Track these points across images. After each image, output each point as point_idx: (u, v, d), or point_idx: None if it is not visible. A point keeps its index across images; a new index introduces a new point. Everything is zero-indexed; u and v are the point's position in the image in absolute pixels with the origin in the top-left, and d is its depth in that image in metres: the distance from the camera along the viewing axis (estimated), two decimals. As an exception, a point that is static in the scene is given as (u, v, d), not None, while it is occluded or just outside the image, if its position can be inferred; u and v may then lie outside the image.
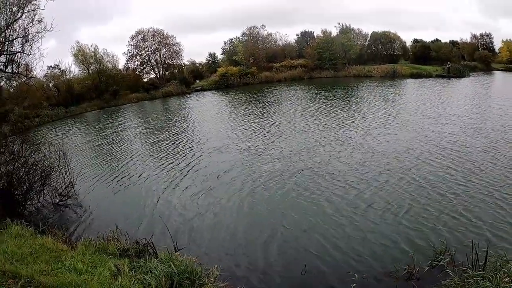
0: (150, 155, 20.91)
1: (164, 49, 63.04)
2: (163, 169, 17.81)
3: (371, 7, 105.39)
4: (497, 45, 66.18)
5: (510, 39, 64.19)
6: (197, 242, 10.50)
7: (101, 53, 55.72)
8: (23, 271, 6.83)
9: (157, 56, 62.92)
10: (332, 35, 65.27)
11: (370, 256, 8.87)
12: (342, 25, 67.09)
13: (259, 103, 38.01)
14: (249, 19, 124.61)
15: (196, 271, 7.59)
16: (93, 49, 54.98)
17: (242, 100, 41.90)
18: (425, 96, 34.09)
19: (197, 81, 64.43)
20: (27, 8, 17.86)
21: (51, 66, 52.55)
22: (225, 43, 72.16)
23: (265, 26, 69.37)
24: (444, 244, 8.70)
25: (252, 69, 62.37)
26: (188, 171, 17.05)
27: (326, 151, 17.96)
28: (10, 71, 18.54)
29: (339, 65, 61.73)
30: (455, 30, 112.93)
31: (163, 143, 23.51)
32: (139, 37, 61.96)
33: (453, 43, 65.58)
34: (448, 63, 53.41)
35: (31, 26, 18.15)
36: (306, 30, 75.07)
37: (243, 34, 68.86)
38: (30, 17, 18.08)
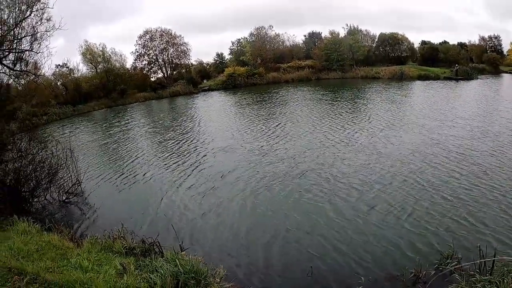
0: (156, 154, 20.95)
1: (171, 49, 63.25)
2: (168, 168, 17.83)
3: (379, 8, 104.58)
4: (506, 47, 65.65)
5: (518, 41, 63.90)
6: (201, 242, 10.49)
7: (109, 52, 56.13)
8: (29, 268, 6.84)
9: (164, 56, 63.13)
10: (340, 36, 65.06)
11: (376, 259, 8.79)
12: (350, 26, 66.98)
13: (266, 103, 37.95)
14: (257, 20, 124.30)
15: (202, 271, 7.55)
16: (101, 48, 55.38)
17: (248, 101, 41.87)
18: (432, 99, 33.81)
19: (205, 81, 64.55)
20: (36, 7, 17.99)
21: (59, 65, 53.04)
22: (232, 43, 72.30)
23: (272, 27, 69.45)
24: (451, 248, 8.58)
25: (260, 70, 62.33)
26: (193, 171, 17.05)
27: (331, 153, 17.87)
28: (18, 69, 18.66)
29: (346, 67, 61.47)
30: (463, 32, 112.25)
31: (169, 143, 23.55)
32: (147, 36, 62.23)
33: (461, 45, 65.09)
34: (456, 65, 52.97)
35: (39, 24, 18.28)
36: (314, 31, 74.95)
37: (251, 34, 68.94)
38: (38, 15, 18.21)
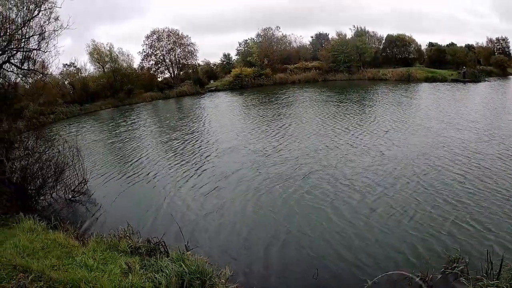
0: (161, 154, 20.99)
1: (179, 49, 63.35)
2: (173, 168, 17.86)
3: (387, 9, 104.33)
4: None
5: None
6: (204, 242, 10.46)
7: (116, 52, 56.40)
8: (34, 265, 6.85)
9: (171, 56, 63.24)
10: (347, 37, 64.84)
11: (381, 262, 8.71)
12: (357, 27, 66.63)
13: (272, 104, 37.90)
14: (264, 21, 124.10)
15: (207, 271, 7.52)
16: (108, 48, 55.66)
17: (255, 102, 41.88)
18: (438, 101, 33.57)
19: (211, 81, 64.57)
20: (44, 6, 18.09)
21: (66, 64, 53.43)
22: (239, 44, 72.23)
23: (279, 28, 69.22)
24: (458, 251, 8.49)
25: (266, 71, 62.26)
26: (197, 171, 17.06)
27: (335, 155, 17.78)
28: (26, 68, 18.78)
29: (353, 68, 61.18)
30: (471, 34, 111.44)
31: (174, 142, 23.59)
32: (154, 37, 62.39)
33: (469, 47, 64.58)
34: (464, 67, 52.63)
35: (47, 24, 18.38)
36: (321, 32, 74.85)
37: (258, 35, 68.81)
38: (46, 15, 18.31)
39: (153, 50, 62.56)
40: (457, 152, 16.81)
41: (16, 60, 18.24)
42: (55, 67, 41.78)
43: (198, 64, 68.40)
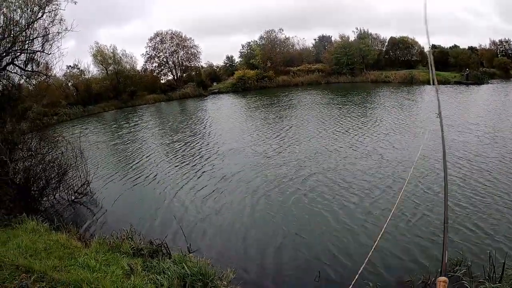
0: (164, 156, 21.03)
1: (182, 51, 63.58)
2: (175, 170, 17.90)
3: (390, 11, 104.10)
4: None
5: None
6: (207, 244, 10.45)
7: (120, 54, 56.72)
8: (36, 266, 6.86)
9: (175, 58, 63.50)
10: (350, 40, 64.93)
11: (383, 265, 8.66)
12: (360, 30, 66.70)
13: (274, 107, 37.96)
14: (267, 23, 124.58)
15: (209, 273, 7.52)
16: (111, 50, 55.95)
17: (258, 104, 41.89)
18: (442, 103, 33.17)
19: (214, 83, 64.77)
20: (48, 8, 18.16)
21: (70, 66, 53.68)
22: (242, 47, 72.50)
23: (282, 30, 69.37)
24: (460, 254, 8.44)
25: (269, 73, 62.35)
26: (199, 173, 17.08)
27: (336, 157, 17.75)
28: (30, 70, 18.84)
29: (356, 70, 61.19)
30: (474, 36, 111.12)
31: (177, 144, 23.65)
32: (158, 39, 62.65)
33: (472, 49, 64.28)
34: (467, 69, 52.46)
35: (51, 26, 18.46)
36: (324, 34, 75.03)
37: (261, 37, 68.96)
38: (50, 17, 18.38)
39: (156, 52, 62.87)
40: (458, 155, 16.74)
41: (20, 62, 18.30)
42: (58, 69, 42.21)
43: (201, 66, 68.80)
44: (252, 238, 10.67)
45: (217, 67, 73.97)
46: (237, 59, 74.00)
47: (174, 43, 62.94)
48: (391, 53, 68.05)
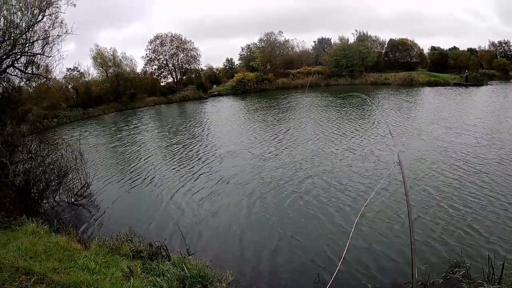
0: (162, 158, 21.05)
1: (182, 54, 63.64)
2: (174, 172, 17.92)
3: (389, 13, 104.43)
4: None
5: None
6: (205, 246, 10.47)
7: (120, 57, 56.70)
8: (36, 268, 6.89)
9: (174, 61, 63.48)
10: (349, 42, 65.12)
11: (382, 268, 8.69)
12: (359, 32, 66.82)
13: (273, 109, 38.01)
14: (266, 26, 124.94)
15: (208, 275, 7.55)
16: (111, 52, 55.94)
17: (257, 106, 41.96)
18: (440, 105, 33.52)
19: (214, 86, 64.92)
20: (48, 11, 18.26)
21: (70, 68, 53.65)
22: (242, 49, 72.49)
23: (282, 32, 69.41)
24: (460, 256, 8.48)
25: (269, 75, 62.44)
26: (198, 175, 17.10)
27: (334, 160, 17.75)
28: (30, 72, 18.95)
29: (356, 73, 61.35)
30: (473, 37, 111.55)
31: (176, 147, 23.68)
32: (157, 41, 62.69)
33: (471, 50, 64.44)
34: (466, 71, 52.57)
35: (51, 29, 18.55)
36: (323, 37, 75.17)
37: (260, 40, 69.05)
38: (51, 20, 18.48)
39: (156, 54, 62.88)
40: (457, 156, 16.76)
41: (20, 64, 18.40)
42: (58, 71, 42.41)
43: (201, 69, 68.79)
44: (249, 240, 10.68)
45: (217, 69, 74.13)
46: (236, 61, 74.21)
47: (174, 45, 63.01)
48: (391, 55, 68.24)
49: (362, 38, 65.69)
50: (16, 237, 9.35)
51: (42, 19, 18.13)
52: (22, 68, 18.50)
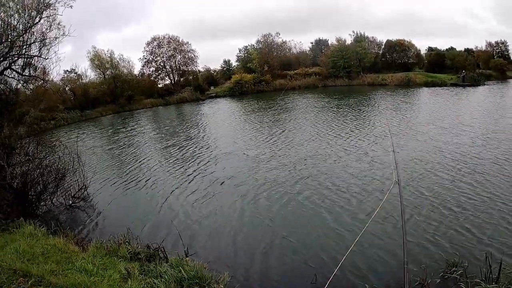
0: (159, 160, 21.08)
1: (179, 56, 63.84)
2: (171, 174, 17.94)
3: (387, 14, 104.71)
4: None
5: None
6: (202, 247, 10.46)
7: (117, 58, 56.79)
8: (34, 270, 6.90)
9: (172, 63, 63.68)
10: (346, 43, 65.12)
11: (380, 268, 8.71)
12: (357, 33, 66.90)
13: (271, 110, 38.05)
14: (264, 27, 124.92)
15: (205, 277, 7.57)
16: (109, 54, 56.03)
17: (254, 108, 42.03)
18: (437, 105, 33.61)
19: (212, 87, 64.87)
20: (46, 13, 18.23)
21: (67, 70, 53.80)
22: (240, 51, 72.43)
23: (279, 34, 69.63)
24: (457, 256, 8.52)
25: (266, 77, 62.56)
26: (195, 177, 17.13)
27: (332, 160, 17.79)
28: (27, 74, 18.89)
29: (353, 74, 61.39)
30: (470, 37, 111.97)
31: (172, 149, 23.72)
32: (155, 43, 62.85)
33: (468, 51, 64.63)
34: (463, 71, 52.74)
35: (49, 31, 18.52)
36: (321, 38, 75.22)
37: (258, 41, 69.05)
38: (48, 22, 18.45)
39: (153, 56, 63.03)
40: (453, 157, 16.78)
41: (17, 66, 18.35)
42: (56, 73, 42.13)
43: (199, 70, 68.97)
44: (246, 241, 10.70)
45: (215, 71, 74.05)
46: (234, 63, 74.16)
47: (172, 47, 63.14)
48: (388, 56, 68.43)
49: (359, 39, 65.78)
50: (14, 239, 9.35)
51: (39, 21, 18.10)
52: (19, 70, 18.45)
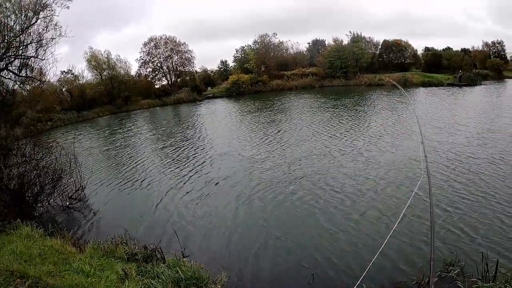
0: (156, 161, 21.10)
1: (176, 56, 63.64)
2: (167, 175, 17.95)
3: (383, 14, 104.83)
4: (509, 52, 65.07)
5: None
6: (200, 248, 10.49)
7: (114, 59, 56.56)
8: (31, 271, 6.90)
9: (169, 63, 63.50)
10: (343, 43, 65.23)
11: (376, 268, 8.68)
12: (353, 33, 66.97)
13: (267, 111, 38.08)
14: (261, 28, 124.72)
15: (203, 277, 7.58)
16: (106, 55, 55.80)
17: (251, 108, 42.05)
18: (434, 105, 33.70)
19: (209, 88, 64.80)
20: (42, 14, 18.23)
21: (64, 71, 53.52)
22: (236, 51, 72.28)
23: (276, 34, 69.40)
24: (454, 255, 8.55)
25: (263, 77, 62.49)
26: (191, 177, 17.16)
27: (327, 161, 17.83)
28: (24, 75, 18.91)
29: (350, 74, 61.46)
30: (467, 37, 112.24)
31: (169, 149, 23.73)
32: (152, 44, 62.66)
33: (465, 51, 64.72)
34: (460, 71, 52.83)
35: (45, 31, 18.51)
36: (318, 38, 75.24)
37: (255, 42, 68.94)
38: (45, 22, 18.45)
39: (150, 57, 62.86)
40: (449, 156, 16.84)
41: (14, 67, 18.36)
42: (52, 74, 42.29)
43: (196, 71, 68.74)
44: (242, 241, 10.73)
45: (212, 71, 73.95)
46: (231, 63, 74.04)
47: (168, 48, 63.02)
48: (385, 56, 68.51)
49: (356, 39, 65.85)
50: (11, 240, 9.34)
51: (36, 21, 18.12)
52: (16, 71, 18.46)
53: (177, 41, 63.58)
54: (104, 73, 55.32)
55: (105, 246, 9.39)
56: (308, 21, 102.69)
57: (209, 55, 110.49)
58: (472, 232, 9.94)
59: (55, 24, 18.84)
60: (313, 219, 11.68)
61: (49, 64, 19.40)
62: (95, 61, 54.73)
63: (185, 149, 23.46)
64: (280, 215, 12.25)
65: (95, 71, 55.28)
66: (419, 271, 8.04)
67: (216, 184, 15.82)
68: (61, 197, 15.05)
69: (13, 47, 17.67)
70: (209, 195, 14.62)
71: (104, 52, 55.79)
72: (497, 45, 65.01)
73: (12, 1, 17.52)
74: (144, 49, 62.47)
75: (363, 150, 19.15)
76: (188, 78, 65.48)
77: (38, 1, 18.00)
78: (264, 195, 14.08)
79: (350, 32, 67.22)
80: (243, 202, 13.61)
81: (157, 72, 63.56)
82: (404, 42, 67.25)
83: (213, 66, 75.84)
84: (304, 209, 12.48)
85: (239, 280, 8.70)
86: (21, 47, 18.00)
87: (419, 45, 78.59)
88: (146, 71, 63.11)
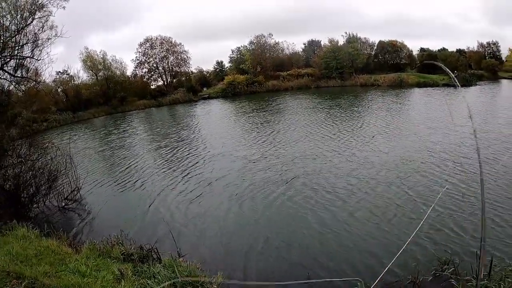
0: (151, 161, 21.16)
1: (172, 57, 63.69)
2: (162, 175, 18.01)
3: (379, 16, 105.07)
4: (504, 53, 65.64)
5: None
6: (195, 248, 10.50)
7: (110, 60, 56.63)
8: (27, 272, 6.90)
9: (165, 64, 63.54)
10: (339, 44, 65.31)
11: (371, 267, 8.75)
12: (349, 34, 67.06)
13: (262, 112, 38.17)
14: (257, 28, 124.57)
15: (199, 277, 7.59)
16: (101, 56, 55.80)
17: (246, 109, 42.11)
18: (428, 106, 33.88)
19: (204, 89, 64.73)
20: (38, 14, 18.20)
21: (59, 72, 53.35)
22: (232, 52, 72.25)
23: (272, 35, 69.47)
24: (448, 254, 8.63)
25: (259, 78, 62.51)
26: (186, 178, 17.27)
27: (321, 161, 17.90)
28: (19, 76, 18.85)
29: (346, 74, 61.55)
30: (462, 38, 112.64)
31: (164, 150, 23.83)
32: (147, 44, 62.66)
33: (460, 51, 65.12)
34: (455, 72, 53.09)
35: (41, 32, 18.47)
36: (313, 39, 75.27)
37: (251, 42, 68.85)
38: (40, 23, 18.41)
39: (146, 57, 62.87)
40: (443, 156, 16.96)
41: (9, 68, 18.31)
42: (48, 75, 41.83)
43: (191, 71, 68.74)
44: (237, 241, 10.78)
45: (207, 72, 73.86)
46: (227, 64, 73.94)
47: (164, 48, 63.03)
48: (380, 57, 68.63)
49: (352, 40, 65.97)
50: (7, 241, 9.33)
51: (31, 22, 18.08)
52: (11, 72, 18.40)
53: (173, 42, 63.73)
54: (100, 74, 55.26)
55: (101, 247, 9.38)
56: (308, 21, 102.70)
57: (209, 55, 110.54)
58: (466, 231, 10.02)
59: (51, 25, 18.82)
60: (308, 220, 11.72)
61: (44, 65, 19.41)
62: (91, 62, 54.64)
63: (179, 149, 23.50)
64: (276, 215, 12.34)
65: (90, 71, 55.21)
66: (414, 269, 8.08)
67: (212, 184, 15.86)
68: (57, 198, 15.03)
69: (9, 48, 17.64)
70: (206, 195, 14.66)
71: (100, 52, 55.90)
72: (492, 46, 65.44)
73: (8, 1, 17.47)
74: (139, 50, 62.56)
75: (357, 150, 19.28)
76: (183, 78, 65.53)
77: (34, 2, 17.96)
78: (261, 195, 14.14)
79: (346, 33, 67.44)
80: (240, 202, 13.67)
81: (152, 73, 63.56)
82: (399, 42, 67.45)
83: (205, 67, 75.88)
84: (299, 210, 12.53)
85: (232, 279, 8.72)
86: (17, 48, 17.96)
87: (414, 46, 78.82)
88: (142, 72, 63.18)
